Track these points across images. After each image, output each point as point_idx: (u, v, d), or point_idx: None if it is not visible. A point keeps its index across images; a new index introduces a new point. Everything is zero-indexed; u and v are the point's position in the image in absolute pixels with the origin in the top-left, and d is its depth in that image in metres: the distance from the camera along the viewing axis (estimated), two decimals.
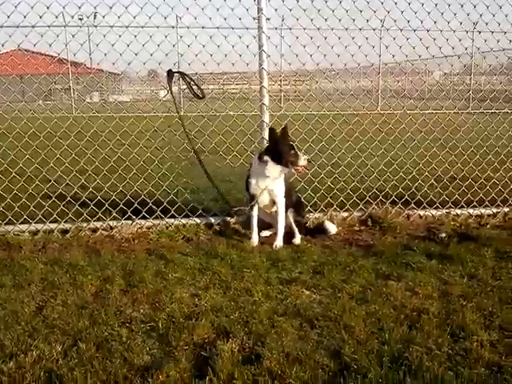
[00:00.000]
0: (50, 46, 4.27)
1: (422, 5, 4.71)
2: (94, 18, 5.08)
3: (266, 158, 3.94)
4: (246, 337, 2.51)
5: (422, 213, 4.77)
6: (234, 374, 2.18)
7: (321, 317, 2.73)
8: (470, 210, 4.83)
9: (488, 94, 5.58)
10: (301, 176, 4.76)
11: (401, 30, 4.78)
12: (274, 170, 3.95)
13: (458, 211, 4.81)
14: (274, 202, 4.12)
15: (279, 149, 3.89)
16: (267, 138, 4.14)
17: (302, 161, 3.85)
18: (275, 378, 2.17)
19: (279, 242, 4.06)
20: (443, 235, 4.19)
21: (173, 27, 4.59)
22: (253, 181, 4.06)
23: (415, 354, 2.32)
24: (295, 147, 3.87)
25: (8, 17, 4.15)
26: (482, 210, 4.85)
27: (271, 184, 4.02)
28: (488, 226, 4.56)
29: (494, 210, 4.86)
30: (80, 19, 5.16)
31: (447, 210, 4.81)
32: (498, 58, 6.17)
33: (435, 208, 4.83)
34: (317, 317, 2.73)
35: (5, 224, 4.28)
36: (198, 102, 4.60)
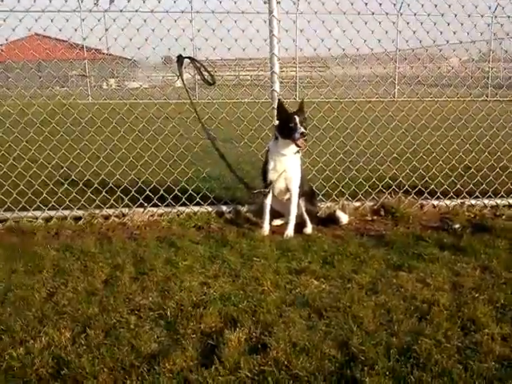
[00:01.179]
0: (60, 30, 4.28)
1: None
2: (110, 3, 5.06)
3: (276, 133, 3.96)
4: (254, 326, 2.51)
5: (435, 203, 4.70)
6: (240, 364, 2.18)
7: (329, 307, 2.71)
8: (485, 201, 4.74)
9: (504, 81, 5.43)
10: (312, 164, 4.73)
11: (414, 15, 4.67)
12: (284, 145, 3.92)
13: (473, 201, 4.73)
14: (288, 190, 4.09)
15: (281, 120, 3.89)
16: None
17: (297, 134, 3.77)
18: (281, 368, 2.16)
19: (290, 231, 4.03)
20: (457, 226, 4.12)
21: (182, 12, 4.54)
22: (271, 164, 4.02)
23: (424, 346, 2.29)
24: (297, 120, 3.78)
25: (18, 1, 4.13)
26: (498, 201, 4.76)
27: (288, 167, 3.98)
28: (503, 216, 4.47)
29: (510, 201, 4.77)
30: (95, 4, 5.13)
31: (461, 201, 4.73)
32: None
33: (449, 198, 4.75)
34: (325, 307, 2.71)
35: (18, 210, 4.32)
36: (209, 88, 4.56)
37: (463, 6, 4.71)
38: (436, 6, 4.68)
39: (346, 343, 2.35)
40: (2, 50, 5.44)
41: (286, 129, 3.84)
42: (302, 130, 3.76)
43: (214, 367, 2.15)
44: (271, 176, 4.05)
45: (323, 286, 3.01)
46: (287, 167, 4.00)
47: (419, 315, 2.61)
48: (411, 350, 2.26)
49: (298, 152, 3.96)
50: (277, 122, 3.99)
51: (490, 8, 4.90)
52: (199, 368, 2.16)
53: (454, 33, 4.72)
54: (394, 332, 2.44)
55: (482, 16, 4.75)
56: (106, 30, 4.49)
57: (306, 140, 3.85)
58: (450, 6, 4.70)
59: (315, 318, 2.61)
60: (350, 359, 2.22)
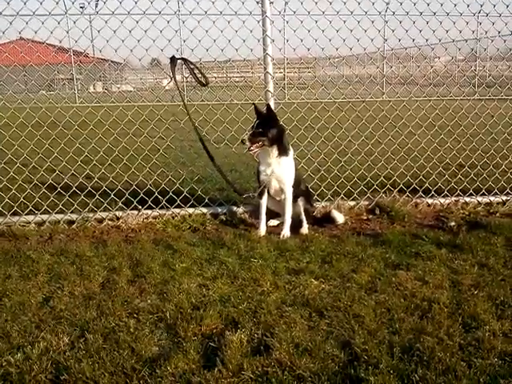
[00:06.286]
0: (52, 33, 4.21)
1: None
2: (96, 6, 5.00)
3: None
4: (255, 327, 2.49)
5: (430, 201, 4.71)
6: (243, 365, 2.16)
7: (330, 307, 2.70)
8: (479, 198, 4.77)
9: (496, 80, 5.47)
10: (307, 164, 4.72)
11: (407, 14, 4.68)
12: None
13: (467, 199, 4.75)
14: (282, 190, 4.08)
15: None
16: None
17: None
18: (285, 368, 2.14)
19: (286, 231, 4.02)
20: (452, 224, 4.14)
21: (175, 13, 4.50)
22: (261, 166, 4.04)
23: (427, 344, 2.29)
24: (254, 126, 3.84)
25: (8, 3, 4.06)
26: (492, 198, 4.79)
27: (277, 169, 3.97)
28: (497, 214, 4.50)
29: (504, 198, 4.79)
30: (81, 7, 5.07)
31: (456, 198, 4.75)
32: (505, 42, 6.03)
33: (443, 196, 4.77)
34: (326, 307, 2.70)
35: (10, 215, 4.26)
36: (201, 89, 4.53)
37: (455, 5, 4.72)
38: (428, 4, 4.69)
39: (348, 343, 2.34)
40: None
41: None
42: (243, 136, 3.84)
43: (216, 369, 2.13)
44: (263, 178, 4.04)
45: (323, 286, 3.00)
46: (277, 168, 3.98)
47: (420, 313, 2.61)
48: (414, 348, 2.26)
49: (278, 156, 3.94)
50: None
51: (481, 6, 4.89)
52: (202, 370, 2.14)
53: (447, 31, 4.74)
54: (395, 330, 2.44)
55: (474, 14, 4.77)
56: (99, 31, 4.41)
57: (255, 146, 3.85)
58: (441, 5, 4.72)
59: (316, 318, 2.60)
60: (353, 359, 2.21)
